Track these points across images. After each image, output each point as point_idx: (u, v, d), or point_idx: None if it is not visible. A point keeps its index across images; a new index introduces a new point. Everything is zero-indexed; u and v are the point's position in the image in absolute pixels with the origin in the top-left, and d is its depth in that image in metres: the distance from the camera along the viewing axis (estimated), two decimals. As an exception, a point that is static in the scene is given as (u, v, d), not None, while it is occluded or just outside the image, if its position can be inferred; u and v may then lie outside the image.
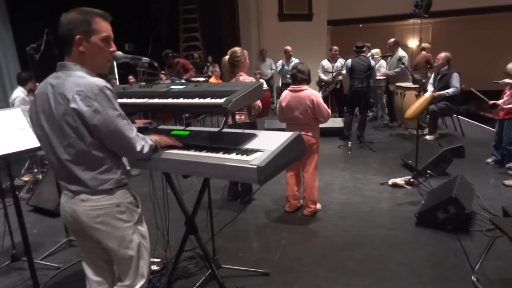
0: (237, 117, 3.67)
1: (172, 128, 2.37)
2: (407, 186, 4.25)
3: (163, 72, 7.21)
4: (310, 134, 3.53)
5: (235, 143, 1.96)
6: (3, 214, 3.08)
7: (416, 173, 4.33)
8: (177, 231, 2.41)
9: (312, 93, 3.48)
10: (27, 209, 4.14)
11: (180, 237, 2.33)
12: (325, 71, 7.65)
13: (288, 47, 7.76)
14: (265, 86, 9.00)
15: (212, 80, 7.06)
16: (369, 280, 2.62)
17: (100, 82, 1.50)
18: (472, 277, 2.52)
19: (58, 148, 1.56)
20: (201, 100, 1.94)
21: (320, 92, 7.95)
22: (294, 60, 7.90)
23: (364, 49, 6.37)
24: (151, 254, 2.86)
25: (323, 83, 7.78)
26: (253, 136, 2.04)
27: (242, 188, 4.04)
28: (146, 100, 2.11)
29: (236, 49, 3.63)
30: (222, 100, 1.85)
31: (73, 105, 1.46)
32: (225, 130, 2.23)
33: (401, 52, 7.06)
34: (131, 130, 1.56)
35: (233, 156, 1.80)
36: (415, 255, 2.89)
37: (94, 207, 1.58)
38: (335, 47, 7.85)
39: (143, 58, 1.97)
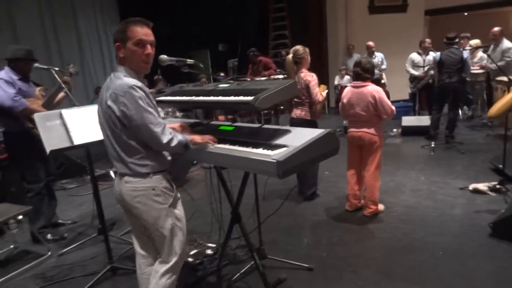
0: (298, 112, 3.73)
1: (221, 123, 2.57)
2: (490, 193, 3.78)
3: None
4: (372, 131, 3.41)
5: (267, 139, 2.07)
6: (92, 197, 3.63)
7: (504, 178, 3.84)
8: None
9: (374, 89, 3.35)
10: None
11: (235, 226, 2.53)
12: (415, 66, 7.11)
13: (371, 43, 7.41)
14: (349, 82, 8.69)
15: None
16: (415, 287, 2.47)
17: (131, 82, 1.75)
18: (543, 300, 2.20)
19: (110, 136, 1.87)
20: (232, 98, 2.09)
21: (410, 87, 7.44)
22: (378, 56, 7.52)
23: (457, 40, 5.77)
24: (205, 240, 3.15)
25: (413, 79, 7.25)
26: (287, 132, 2.12)
27: (305, 183, 4.07)
28: (191, 97, 2.34)
29: (298, 47, 3.70)
30: (251, 98, 1.97)
31: (108, 102, 1.75)
32: (265, 126, 2.34)
33: (507, 43, 6.19)
34: (157, 124, 1.77)
35: (259, 150, 1.92)
36: (479, 268, 2.61)
37: (134, 188, 1.86)
38: (428, 40, 7.23)
39: (188, 60, 2.20)
